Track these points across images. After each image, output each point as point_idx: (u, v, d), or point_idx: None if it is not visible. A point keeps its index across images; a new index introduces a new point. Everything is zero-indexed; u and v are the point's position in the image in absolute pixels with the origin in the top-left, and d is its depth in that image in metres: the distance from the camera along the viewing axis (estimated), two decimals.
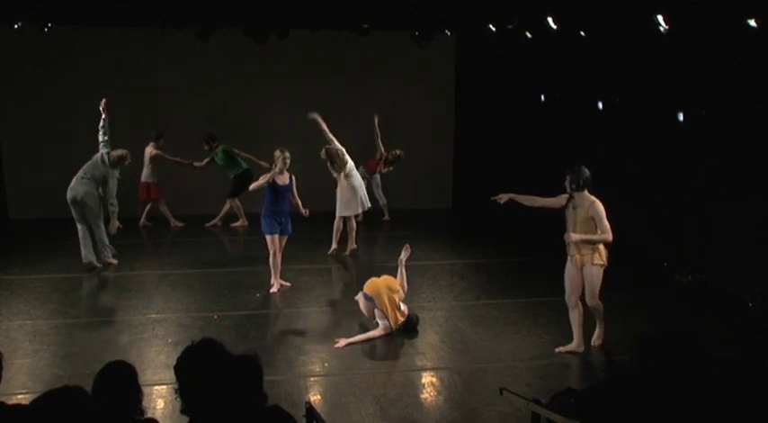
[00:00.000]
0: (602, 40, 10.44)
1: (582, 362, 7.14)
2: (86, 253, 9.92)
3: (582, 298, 7.11)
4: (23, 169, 12.72)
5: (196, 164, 12.50)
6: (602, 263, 6.87)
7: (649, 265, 9.97)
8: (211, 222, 12.77)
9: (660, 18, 8.14)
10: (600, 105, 11.25)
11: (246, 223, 12.60)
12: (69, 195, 9.71)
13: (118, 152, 9.91)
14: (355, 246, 10.79)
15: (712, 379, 3.26)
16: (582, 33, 10.18)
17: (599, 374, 6.78)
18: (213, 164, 12.55)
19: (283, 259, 9.14)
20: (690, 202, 9.69)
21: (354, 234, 10.80)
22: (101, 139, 9.86)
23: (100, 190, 9.76)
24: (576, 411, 3.74)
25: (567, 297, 7.14)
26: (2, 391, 3.66)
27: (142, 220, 12.75)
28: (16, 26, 11.71)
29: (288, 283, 9.20)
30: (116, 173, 9.89)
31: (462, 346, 7.42)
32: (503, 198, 7.29)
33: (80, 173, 9.79)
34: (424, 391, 6.50)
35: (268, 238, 8.83)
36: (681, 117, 9.50)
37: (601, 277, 6.90)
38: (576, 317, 7.15)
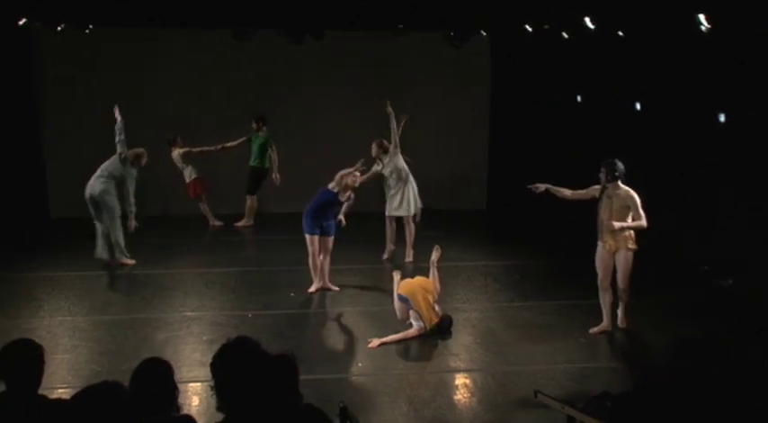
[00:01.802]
0: (640, 41, 10.31)
1: (618, 365, 7.07)
2: (100, 250, 10.06)
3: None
4: (65, 169, 12.91)
5: (227, 144, 12.50)
6: (635, 247, 7.35)
7: (688, 268, 9.81)
8: (241, 222, 12.83)
9: (702, 17, 8.02)
10: (638, 106, 11.11)
11: (251, 224, 12.69)
12: (87, 193, 9.84)
13: (135, 151, 9.98)
14: (393, 247, 10.69)
15: (747, 384, 3.21)
16: (620, 33, 10.07)
17: (635, 379, 6.69)
18: (244, 146, 12.58)
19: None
20: (732, 203, 9.53)
21: (394, 237, 10.68)
22: (117, 139, 9.87)
23: (116, 189, 9.86)
24: (611, 415, 3.70)
25: (600, 281, 7.57)
26: (43, 386, 3.71)
27: (211, 221, 12.78)
28: (59, 28, 11.94)
29: (336, 288, 9.15)
30: (134, 172, 9.97)
31: (496, 347, 7.39)
32: (540, 188, 7.80)
33: (98, 171, 9.89)
34: (458, 392, 6.48)
35: (308, 237, 8.84)
36: (722, 118, 9.34)
37: (633, 261, 7.35)
38: (607, 299, 7.64)
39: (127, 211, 9.98)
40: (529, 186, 7.85)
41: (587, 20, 9.64)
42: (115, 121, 9.94)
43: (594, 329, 7.71)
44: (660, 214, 10.47)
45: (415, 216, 10.54)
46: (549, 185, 7.79)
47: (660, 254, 10.30)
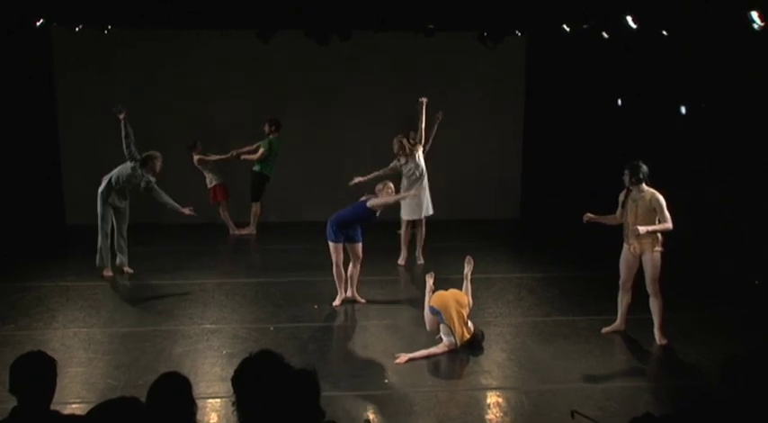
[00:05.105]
0: (686, 40, 10.21)
1: (660, 385, 6.99)
2: (118, 260, 10.22)
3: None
4: (82, 174, 13.03)
5: (242, 150, 12.57)
6: (661, 249, 7.53)
7: (736, 280, 9.67)
8: (245, 229, 12.88)
9: (755, 14, 7.91)
10: (683, 110, 10.99)
11: (254, 232, 12.78)
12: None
13: (147, 154, 10.01)
14: (415, 255, 10.84)
15: None
16: (664, 33, 9.98)
17: (678, 399, 6.59)
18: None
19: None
20: None
21: (422, 243, 10.86)
22: (129, 149, 9.92)
23: (118, 195, 9.97)
24: None
25: (621, 282, 7.84)
26: (56, 400, 3.74)
27: (231, 230, 12.86)
28: (77, 29, 12.09)
29: (363, 300, 9.17)
30: (151, 179, 10.01)
31: (531, 364, 7.33)
32: (590, 218, 7.88)
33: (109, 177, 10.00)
34: (489, 411, 6.43)
35: (332, 246, 8.85)
36: None
37: (661, 263, 7.52)
38: (625, 301, 7.90)
39: (173, 208, 10.10)
40: (585, 219, 7.87)
41: (629, 18, 9.55)
42: (121, 126, 9.96)
43: (607, 329, 8.02)
44: (707, 223, 10.38)
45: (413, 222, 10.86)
46: (595, 217, 7.88)
47: (706, 265, 10.18)
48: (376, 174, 10.51)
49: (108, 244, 10.11)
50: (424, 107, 10.53)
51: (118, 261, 10.24)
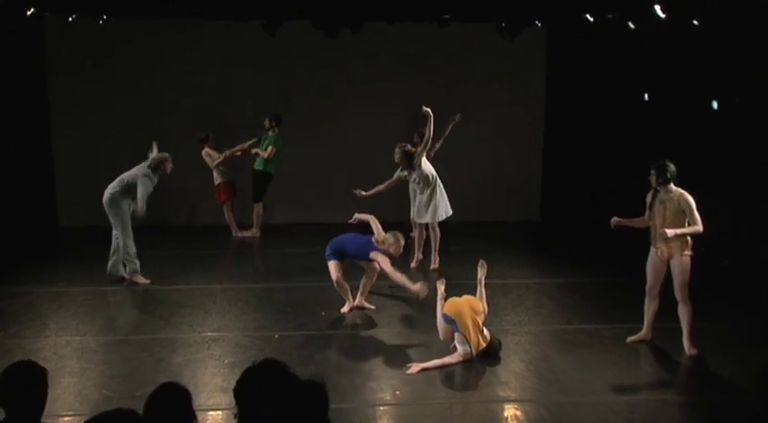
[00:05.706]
0: (718, 30, 10.17)
1: (689, 398, 6.97)
2: (111, 264, 10.09)
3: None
4: (77, 172, 13.07)
5: (236, 149, 12.66)
6: (691, 253, 7.48)
7: None
8: (248, 232, 12.91)
9: None
10: (714, 105, 10.94)
11: (258, 234, 12.82)
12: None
13: (159, 156, 10.08)
14: (430, 259, 10.90)
15: None
16: (694, 22, 9.94)
17: (710, 413, 6.57)
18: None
19: (354, 277, 9.14)
20: None
21: (436, 246, 10.93)
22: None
23: (128, 195, 9.93)
24: None
25: (648, 288, 7.77)
26: (47, 412, 3.75)
27: (234, 232, 12.93)
28: (70, 19, 12.12)
29: (372, 307, 9.19)
30: (155, 179, 10.04)
31: (551, 375, 7.31)
32: (618, 222, 7.84)
33: (119, 177, 9.99)
34: None
35: (331, 264, 8.85)
36: None
37: (690, 268, 7.47)
38: (652, 308, 7.86)
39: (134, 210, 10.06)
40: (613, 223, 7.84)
41: (657, 7, 9.52)
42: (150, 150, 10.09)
43: (632, 338, 7.97)
44: (740, 227, 10.33)
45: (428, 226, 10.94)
46: (622, 220, 7.82)
47: (740, 270, 10.14)
48: (379, 188, 10.71)
49: (134, 248, 10.06)
50: (429, 117, 10.45)
51: (111, 267, 10.21)
